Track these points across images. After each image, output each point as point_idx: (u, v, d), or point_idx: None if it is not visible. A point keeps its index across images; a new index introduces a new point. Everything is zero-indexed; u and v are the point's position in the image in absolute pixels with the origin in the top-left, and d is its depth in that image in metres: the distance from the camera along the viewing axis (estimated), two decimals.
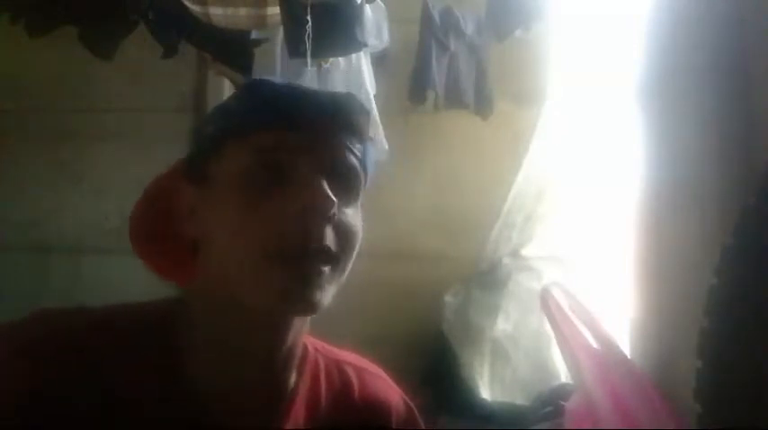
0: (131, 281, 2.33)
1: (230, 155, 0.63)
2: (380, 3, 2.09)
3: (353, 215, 0.65)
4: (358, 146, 0.66)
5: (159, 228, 0.70)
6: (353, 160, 0.65)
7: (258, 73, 2.11)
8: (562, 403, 1.33)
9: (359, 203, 0.67)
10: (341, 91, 0.72)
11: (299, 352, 0.69)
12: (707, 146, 0.92)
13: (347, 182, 0.64)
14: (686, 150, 0.97)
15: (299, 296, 0.58)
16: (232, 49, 2.03)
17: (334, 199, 0.60)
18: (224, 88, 2.44)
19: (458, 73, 2.22)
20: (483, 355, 2.02)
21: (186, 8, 1.80)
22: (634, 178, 1.15)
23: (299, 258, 0.58)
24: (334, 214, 0.60)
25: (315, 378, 0.71)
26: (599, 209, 1.89)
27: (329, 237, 0.60)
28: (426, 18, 2.14)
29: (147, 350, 0.63)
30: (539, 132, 2.14)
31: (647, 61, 1.10)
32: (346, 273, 0.64)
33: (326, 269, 0.60)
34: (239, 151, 0.63)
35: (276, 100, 0.64)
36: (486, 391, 1.97)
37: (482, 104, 2.27)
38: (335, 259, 0.61)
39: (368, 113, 0.69)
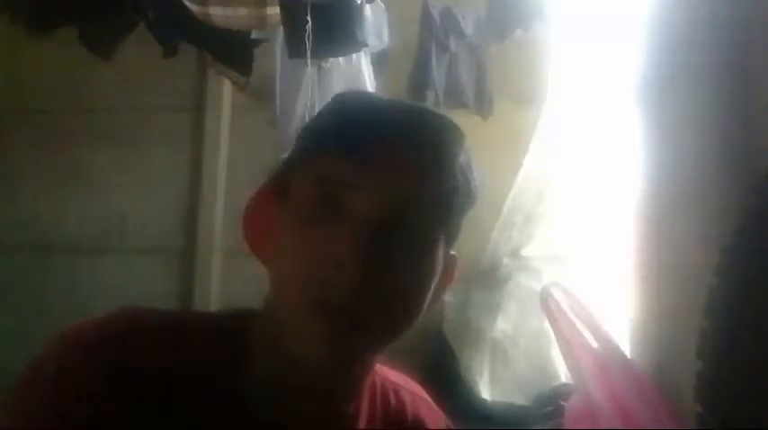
0: (131, 281, 2.35)
1: (298, 179, 0.59)
2: (380, 3, 2.09)
3: (420, 259, 0.58)
4: (441, 174, 0.58)
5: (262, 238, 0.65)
6: (429, 194, 0.57)
7: (258, 73, 2.12)
8: (562, 403, 1.33)
9: (438, 241, 0.59)
10: (431, 108, 0.65)
11: (364, 379, 0.65)
12: (707, 146, 0.92)
13: (414, 221, 0.57)
14: (686, 151, 0.97)
15: (332, 348, 0.55)
16: (232, 49, 2.04)
17: (378, 254, 0.54)
18: (224, 88, 2.44)
19: (458, 73, 2.22)
20: (483, 355, 2.02)
21: (186, 8, 1.80)
22: (634, 178, 1.15)
23: (335, 311, 0.54)
24: (376, 268, 0.54)
25: (372, 401, 0.68)
26: (599, 209, 1.89)
27: (374, 289, 0.54)
28: (426, 18, 2.14)
29: (219, 357, 0.60)
30: (539, 132, 2.14)
31: (647, 61, 1.10)
32: (405, 319, 0.58)
33: (366, 322, 0.55)
34: (305, 177, 0.58)
35: (350, 121, 0.59)
36: (486, 391, 1.97)
37: (482, 104, 2.27)
38: (379, 312, 0.55)
39: (458, 136, 0.61)
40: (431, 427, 0.72)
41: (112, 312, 0.61)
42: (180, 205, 2.48)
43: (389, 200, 0.56)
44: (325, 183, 0.56)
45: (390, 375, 0.73)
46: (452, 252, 0.64)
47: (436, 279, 0.60)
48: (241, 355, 0.61)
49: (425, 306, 0.59)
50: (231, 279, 2.35)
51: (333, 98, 0.65)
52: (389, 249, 0.55)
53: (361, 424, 0.65)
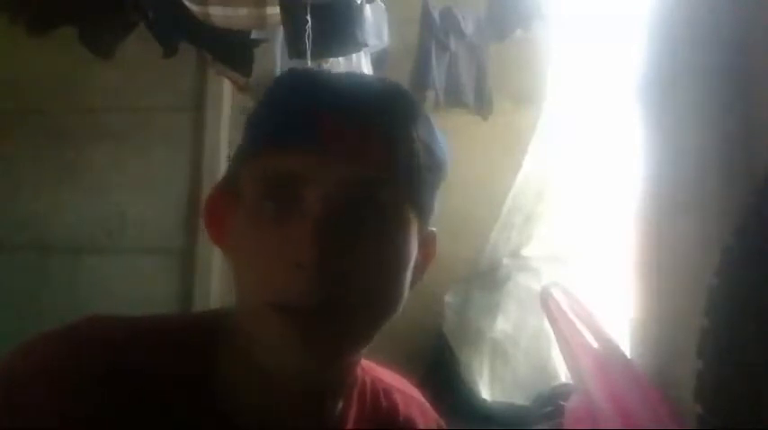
0: (131, 281, 2.35)
1: (247, 174, 0.55)
2: (380, 3, 2.09)
3: (389, 244, 0.53)
4: (396, 150, 0.53)
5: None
6: (387, 173, 0.52)
7: (258, 73, 2.11)
8: (562, 403, 1.33)
9: (407, 221, 0.55)
10: (378, 79, 0.60)
11: (348, 378, 0.62)
12: (707, 146, 0.92)
13: (375, 205, 0.52)
14: (686, 151, 0.97)
15: (298, 355, 0.51)
16: (232, 49, 2.04)
17: (340, 248, 0.50)
18: (224, 88, 2.44)
19: (458, 73, 2.22)
20: (483, 355, 2.02)
21: (186, 8, 1.80)
22: (634, 178, 1.15)
23: (298, 314, 0.50)
24: (338, 263, 0.50)
25: (361, 402, 0.65)
26: (599, 209, 1.89)
27: (341, 286, 0.50)
28: (426, 18, 2.14)
29: (190, 362, 0.57)
30: (539, 132, 2.14)
31: (647, 61, 1.10)
32: (382, 310, 0.54)
33: (334, 324, 0.51)
34: (252, 172, 0.54)
35: (291, 105, 0.54)
36: (486, 391, 1.97)
37: (482, 104, 2.27)
38: (351, 308, 0.52)
39: (412, 106, 0.57)
40: (423, 429, 0.70)
41: (74, 322, 0.57)
42: (180, 205, 2.48)
43: (344, 187, 0.51)
44: (273, 176, 0.52)
45: (382, 375, 0.71)
46: (431, 228, 0.61)
47: (412, 260, 0.56)
48: (215, 356, 0.58)
49: (405, 290, 0.56)
50: (231, 279, 2.34)
51: (275, 80, 0.59)
52: (352, 240, 0.51)
53: (349, 425, 0.63)
